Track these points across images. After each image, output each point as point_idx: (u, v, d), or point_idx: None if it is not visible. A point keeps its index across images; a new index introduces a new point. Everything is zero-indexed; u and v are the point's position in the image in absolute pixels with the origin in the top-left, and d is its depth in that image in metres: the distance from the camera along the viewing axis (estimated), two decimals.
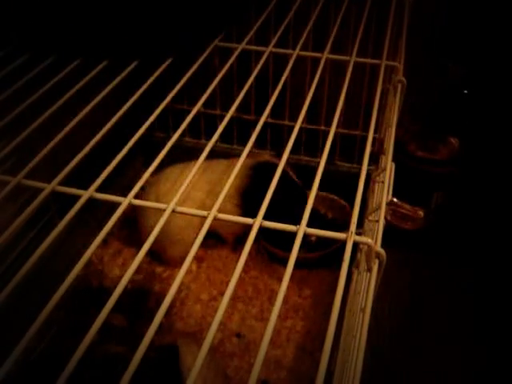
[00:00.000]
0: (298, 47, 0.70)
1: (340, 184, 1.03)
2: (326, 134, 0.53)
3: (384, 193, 0.50)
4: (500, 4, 0.95)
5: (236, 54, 0.70)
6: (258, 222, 0.41)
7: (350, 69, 0.65)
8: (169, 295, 0.36)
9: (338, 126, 1.02)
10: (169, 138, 0.52)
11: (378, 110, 0.59)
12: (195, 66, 0.67)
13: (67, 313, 0.87)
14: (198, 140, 1.16)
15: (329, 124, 0.53)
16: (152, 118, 0.57)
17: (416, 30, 0.81)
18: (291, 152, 0.51)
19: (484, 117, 1.02)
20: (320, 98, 1.03)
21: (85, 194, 0.44)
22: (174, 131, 0.54)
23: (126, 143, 0.52)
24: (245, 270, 1.00)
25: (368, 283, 0.40)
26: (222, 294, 0.95)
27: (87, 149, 0.51)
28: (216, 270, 1.00)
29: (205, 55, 0.69)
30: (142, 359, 0.32)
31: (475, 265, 0.97)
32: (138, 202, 0.45)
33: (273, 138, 1.13)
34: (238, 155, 0.50)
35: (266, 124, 1.09)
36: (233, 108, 0.58)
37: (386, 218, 0.48)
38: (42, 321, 0.34)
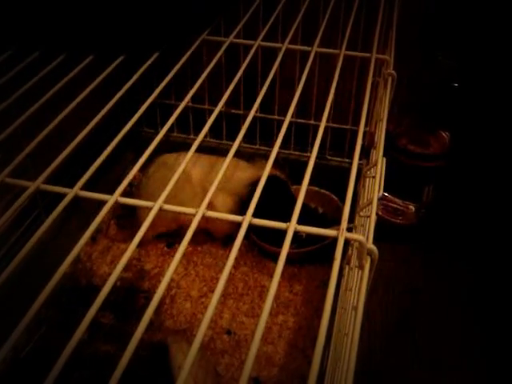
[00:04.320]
0: (287, 40, 0.70)
1: (331, 178, 1.03)
2: (316, 128, 0.53)
3: (375, 188, 0.49)
4: None
5: (224, 47, 0.69)
6: (247, 219, 0.41)
7: (340, 62, 0.64)
8: (158, 292, 0.35)
9: (328, 120, 1.02)
10: (157, 133, 0.52)
11: (369, 104, 0.59)
12: (183, 60, 0.66)
13: (56, 311, 0.86)
14: (187, 135, 1.15)
15: (319, 118, 0.52)
16: (139, 114, 0.56)
17: (406, 23, 0.81)
18: (281, 147, 0.50)
19: (474, 110, 1.02)
20: (310, 92, 1.03)
21: (70, 193, 0.43)
22: (162, 127, 0.53)
23: (113, 139, 0.51)
24: (235, 266, 0.99)
25: (360, 281, 0.40)
26: (212, 290, 0.95)
27: (72, 146, 0.50)
28: (206, 267, 0.99)
29: (192, 49, 0.69)
30: (131, 358, 0.31)
31: (468, 258, 0.97)
32: (124, 199, 0.44)
33: (262, 133, 1.12)
34: (227, 150, 0.50)
35: (255, 118, 1.09)
36: (221, 102, 0.57)
37: (377, 212, 0.48)
38: (29, 319, 0.34)
